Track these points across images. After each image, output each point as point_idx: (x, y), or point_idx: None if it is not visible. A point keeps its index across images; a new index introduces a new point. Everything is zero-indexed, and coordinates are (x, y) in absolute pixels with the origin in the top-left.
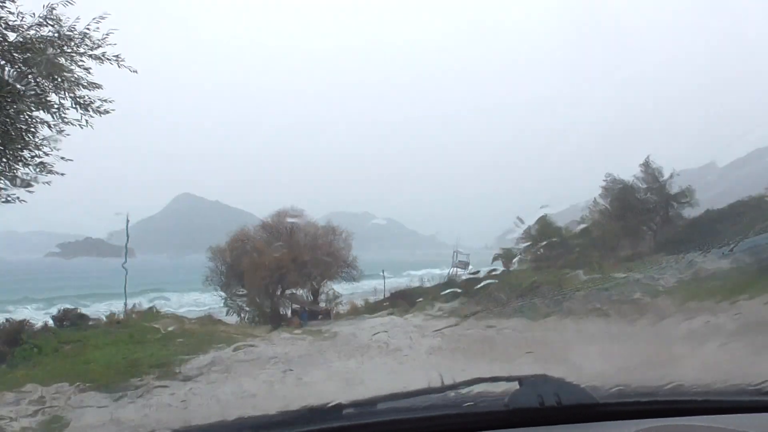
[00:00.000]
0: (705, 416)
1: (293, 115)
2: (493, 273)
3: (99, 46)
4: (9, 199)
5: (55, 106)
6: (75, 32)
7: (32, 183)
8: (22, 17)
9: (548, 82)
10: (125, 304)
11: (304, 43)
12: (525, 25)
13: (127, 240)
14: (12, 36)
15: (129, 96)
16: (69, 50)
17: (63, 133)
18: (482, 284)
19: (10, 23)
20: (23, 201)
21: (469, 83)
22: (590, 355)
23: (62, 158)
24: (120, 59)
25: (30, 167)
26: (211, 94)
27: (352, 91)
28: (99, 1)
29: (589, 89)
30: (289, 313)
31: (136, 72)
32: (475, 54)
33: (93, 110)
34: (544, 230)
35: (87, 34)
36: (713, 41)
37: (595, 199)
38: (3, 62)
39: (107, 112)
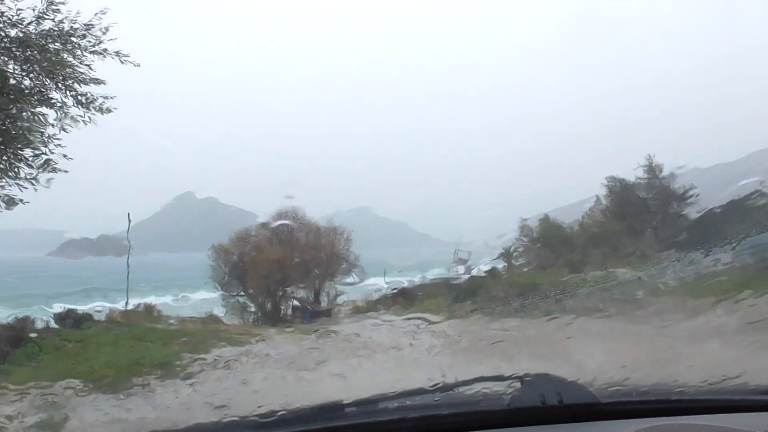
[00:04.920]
0: (706, 415)
1: (296, 115)
2: (495, 271)
3: (101, 42)
4: (11, 197)
5: (57, 103)
6: (76, 24)
7: (34, 182)
8: (21, 12)
9: (551, 81)
10: (127, 303)
11: (306, 43)
12: (528, 26)
13: (128, 239)
14: (12, 32)
15: (129, 95)
16: (70, 46)
17: (64, 131)
18: (482, 282)
19: (11, 19)
20: (26, 202)
21: (472, 83)
22: (591, 354)
23: (64, 156)
24: (122, 54)
25: (32, 166)
26: (212, 93)
27: (354, 92)
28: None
29: (592, 88)
30: (290, 311)
31: (138, 66)
32: (477, 52)
33: (95, 108)
34: (546, 229)
35: (90, 27)
36: (717, 42)
37: (597, 197)
38: (4, 59)
39: (109, 110)
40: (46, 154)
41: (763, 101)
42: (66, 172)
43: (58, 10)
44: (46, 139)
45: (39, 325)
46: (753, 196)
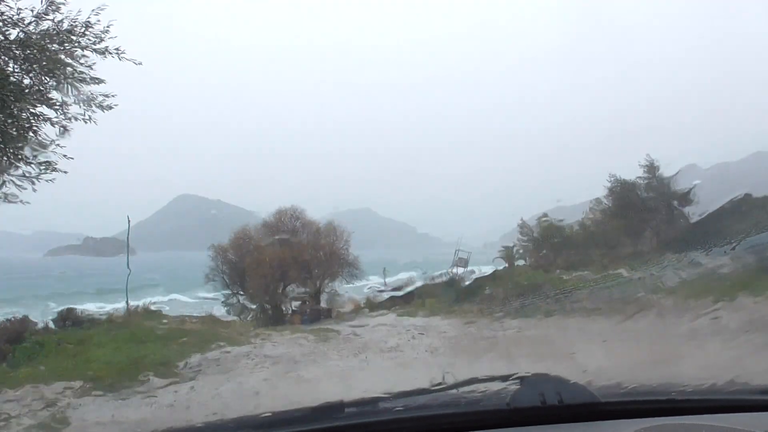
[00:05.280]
0: (706, 415)
1: (295, 114)
2: (495, 271)
3: (101, 40)
4: (10, 198)
5: (58, 103)
6: (76, 23)
7: (35, 182)
8: (20, 11)
9: (551, 81)
10: (127, 303)
11: (305, 43)
12: (527, 25)
13: (129, 239)
14: (13, 33)
15: (129, 95)
16: (70, 45)
17: (65, 129)
18: (483, 282)
19: (11, 18)
20: (26, 202)
21: (471, 82)
22: (592, 353)
23: (64, 156)
24: (121, 52)
25: (32, 166)
26: (212, 93)
27: (353, 91)
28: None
29: (593, 87)
30: (290, 312)
31: (140, 64)
32: (477, 52)
33: (96, 106)
34: (546, 229)
35: (90, 25)
36: (718, 42)
37: (597, 197)
38: (5, 59)
39: (110, 107)
40: (47, 155)
41: (764, 102)
42: (66, 172)
43: (58, 8)
44: (48, 142)
45: (39, 325)
46: (750, 197)
